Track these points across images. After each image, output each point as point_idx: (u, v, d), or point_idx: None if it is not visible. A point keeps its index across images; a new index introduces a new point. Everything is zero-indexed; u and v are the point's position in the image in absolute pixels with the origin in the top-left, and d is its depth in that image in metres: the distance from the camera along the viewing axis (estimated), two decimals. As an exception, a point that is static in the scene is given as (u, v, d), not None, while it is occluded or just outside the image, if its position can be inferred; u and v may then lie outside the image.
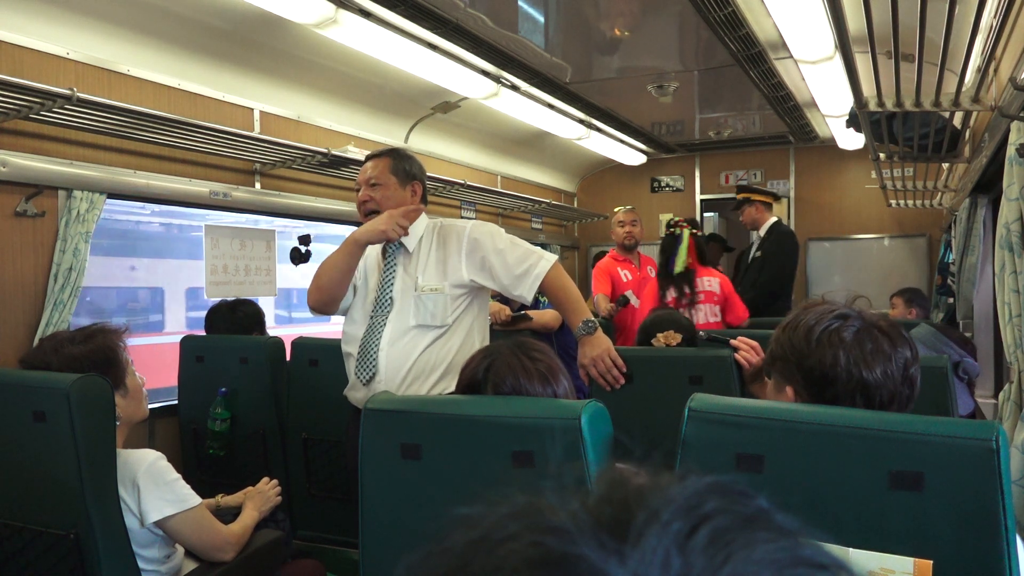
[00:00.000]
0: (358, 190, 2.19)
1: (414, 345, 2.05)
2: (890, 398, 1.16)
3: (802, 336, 1.19)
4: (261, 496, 2.03)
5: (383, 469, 1.40)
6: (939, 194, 4.36)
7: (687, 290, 3.80)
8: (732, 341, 1.96)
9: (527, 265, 2.07)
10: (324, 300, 2.12)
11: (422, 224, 2.18)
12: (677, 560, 0.30)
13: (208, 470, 2.97)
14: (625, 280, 4.27)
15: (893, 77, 2.11)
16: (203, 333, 3.13)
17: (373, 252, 2.23)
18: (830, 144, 5.43)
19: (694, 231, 3.88)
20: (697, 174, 6.27)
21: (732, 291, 3.86)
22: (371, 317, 2.11)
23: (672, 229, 3.90)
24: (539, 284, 2.07)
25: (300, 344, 2.97)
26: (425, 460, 1.36)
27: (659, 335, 2.43)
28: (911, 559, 1.01)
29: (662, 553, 0.30)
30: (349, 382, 2.15)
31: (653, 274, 4.13)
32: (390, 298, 2.10)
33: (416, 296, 2.07)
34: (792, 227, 5.89)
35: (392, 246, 2.16)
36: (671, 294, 3.82)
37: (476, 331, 2.16)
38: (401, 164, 2.18)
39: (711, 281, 3.80)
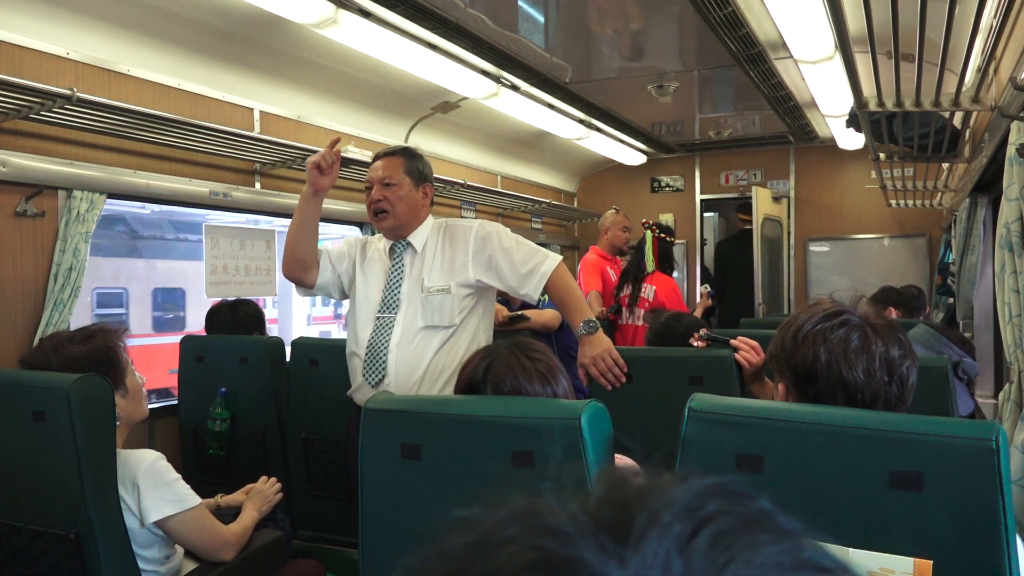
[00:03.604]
0: (368, 189, 2.15)
1: (424, 347, 2.04)
2: (873, 397, 1.16)
3: (791, 334, 1.22)
4: (261, 496, 2.03)
5: (383, 469, 1.40)
6: (939, 194, 4.36)
7: (630, 290, 4.07)
8: (732, 341, 1.95)
9: (533, 264, 2.08)
10: (289, 262, 2.14)
11: (428, 224, 2.18)
12: (678, 563, 0.29)
13: (208, 470, 2.97)
14: (613, 280, 4.39)
15: (893, 77, 2.11)
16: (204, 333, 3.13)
17: (374, 253, 2.23)
18: (830, 144, 5.43)
19: (661, 235, 4.10)
20: (697, 174, 6.26)
21: (667, 299, 3.99)
22: (377, 318, 2.10)
23: (644, 229, 4.17)
24: (545, 283, 2.07)
25: (300, 344, 2.97)
26: (425, 460, 1.35)
27: (696, 334, 2.33)
28: (911, 559, 1.01)
29: (663, 556, 0.29)
30: (354, 383, 2.13)
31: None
32: (397, 299, 2.09)
33: (423, 297, 2.07)
34: (792, 227, 5.92)
35: (399, 246, 2.15)
36: (626, 290, 4.09)
37: (482, 332, 2.15)
38: (415, 164, 2.18)
39: (648, 289, 4.04)
